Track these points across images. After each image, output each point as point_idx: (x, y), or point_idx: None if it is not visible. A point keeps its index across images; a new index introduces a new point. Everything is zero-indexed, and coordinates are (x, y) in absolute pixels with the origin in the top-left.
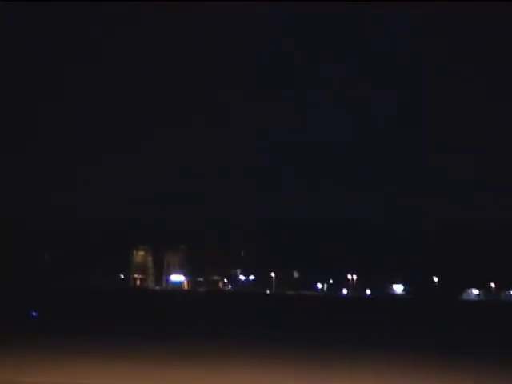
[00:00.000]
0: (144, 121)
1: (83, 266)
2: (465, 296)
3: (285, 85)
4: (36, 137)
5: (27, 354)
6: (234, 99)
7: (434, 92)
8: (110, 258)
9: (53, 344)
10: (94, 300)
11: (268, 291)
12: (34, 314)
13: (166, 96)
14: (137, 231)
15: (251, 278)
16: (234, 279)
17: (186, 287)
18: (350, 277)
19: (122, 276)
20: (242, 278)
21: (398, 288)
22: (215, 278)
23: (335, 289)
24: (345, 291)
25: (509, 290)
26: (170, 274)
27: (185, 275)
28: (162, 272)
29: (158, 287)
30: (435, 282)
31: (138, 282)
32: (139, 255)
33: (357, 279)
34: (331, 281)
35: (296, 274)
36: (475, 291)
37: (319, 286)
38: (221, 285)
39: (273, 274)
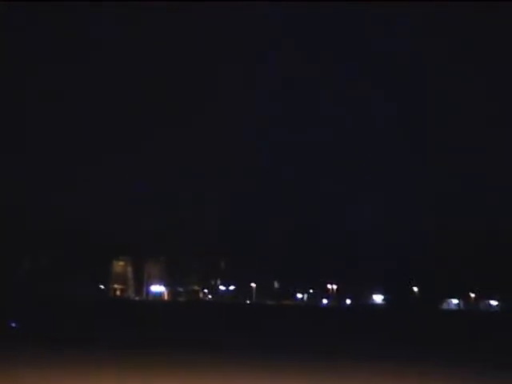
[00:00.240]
0: (144, 121)
1: (61, 275)
2: (444, 306)
3: (285, 85)
4: (36, 137)
5: (4, 364)
6: (233, 99)
7: (433, 92)
8: (90, 267)
9: (32, 356)
10: (75, 309)
11: (248, 301)
12: (14, 324)
13: (166, 96)
14: (116, 241)
15: (231, 288)
16: (214, 289)
17: (165, 297)
18: (330, 287)
19: (102, 286)
20: (222, 288)
21: (378, 298)
22: (195, 288)
23: (315, 299)
24: (325, 301)
25: (488, 299)
26: (150, 285)
27: (165, 285)
28: (142, 282)
29: (137, 298)
30: (415, 292)
31: (118, 293)
32: (119, 265)
33: (337, 289)
34: (311, 290)
35: (276, 284)
36: (455, 301)
37: (299, 295)
38: (201, 295)
39: (253, 285)
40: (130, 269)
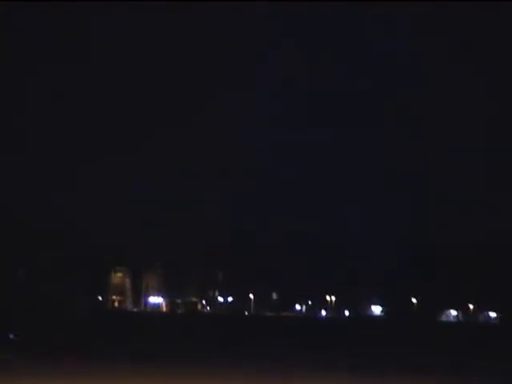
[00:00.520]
0: (144, 121)
1: (61, 276)
2: (443, 317)
3: (285, 85)
4: (36, 137)
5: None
6: (233, 99)
7: (434, 92)
8: (88, 279)
9: (29, 367)
10: (74, 322)
11: (246, 312)
12: (11, 336)
13: (166, 96)
14: (115, 253)
15: (229, 299)
16: (212, 301)
17: (164, 309)
18: (328, 298)
19: (100, 297)
20: (220, 299)
21: (377, 309)
22: (193, 299)
23: (314, 310)
24: (324, 312)
25: (487, 311)
26: (148, 296)
27: (163, 297)
28: (140, 293)
29: (135, 309)
30: (413, 304)
31: (116, 304)
32: (117, 277)
33: (335, 301)
34: (310, 302)
35: (275, 296)
36: (454, 312)
37: (298, 307)
38: (199, 306)
39: (251, 296)
40: (128, 280)
